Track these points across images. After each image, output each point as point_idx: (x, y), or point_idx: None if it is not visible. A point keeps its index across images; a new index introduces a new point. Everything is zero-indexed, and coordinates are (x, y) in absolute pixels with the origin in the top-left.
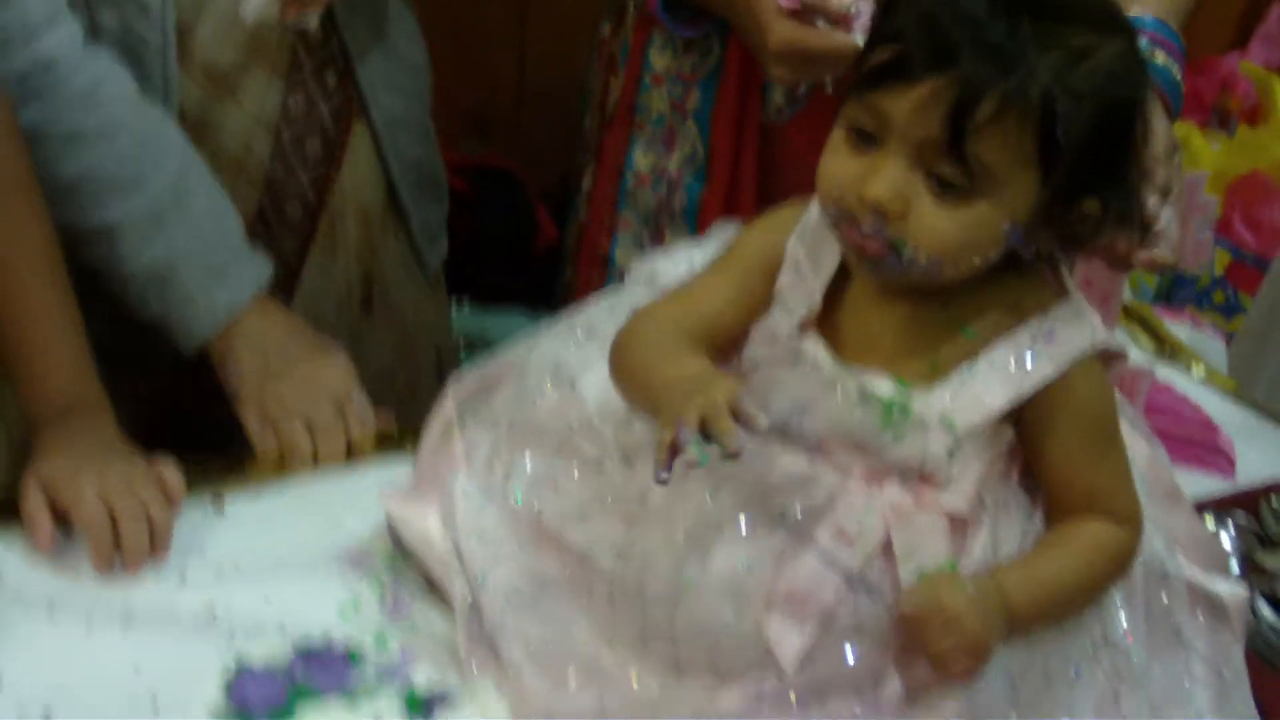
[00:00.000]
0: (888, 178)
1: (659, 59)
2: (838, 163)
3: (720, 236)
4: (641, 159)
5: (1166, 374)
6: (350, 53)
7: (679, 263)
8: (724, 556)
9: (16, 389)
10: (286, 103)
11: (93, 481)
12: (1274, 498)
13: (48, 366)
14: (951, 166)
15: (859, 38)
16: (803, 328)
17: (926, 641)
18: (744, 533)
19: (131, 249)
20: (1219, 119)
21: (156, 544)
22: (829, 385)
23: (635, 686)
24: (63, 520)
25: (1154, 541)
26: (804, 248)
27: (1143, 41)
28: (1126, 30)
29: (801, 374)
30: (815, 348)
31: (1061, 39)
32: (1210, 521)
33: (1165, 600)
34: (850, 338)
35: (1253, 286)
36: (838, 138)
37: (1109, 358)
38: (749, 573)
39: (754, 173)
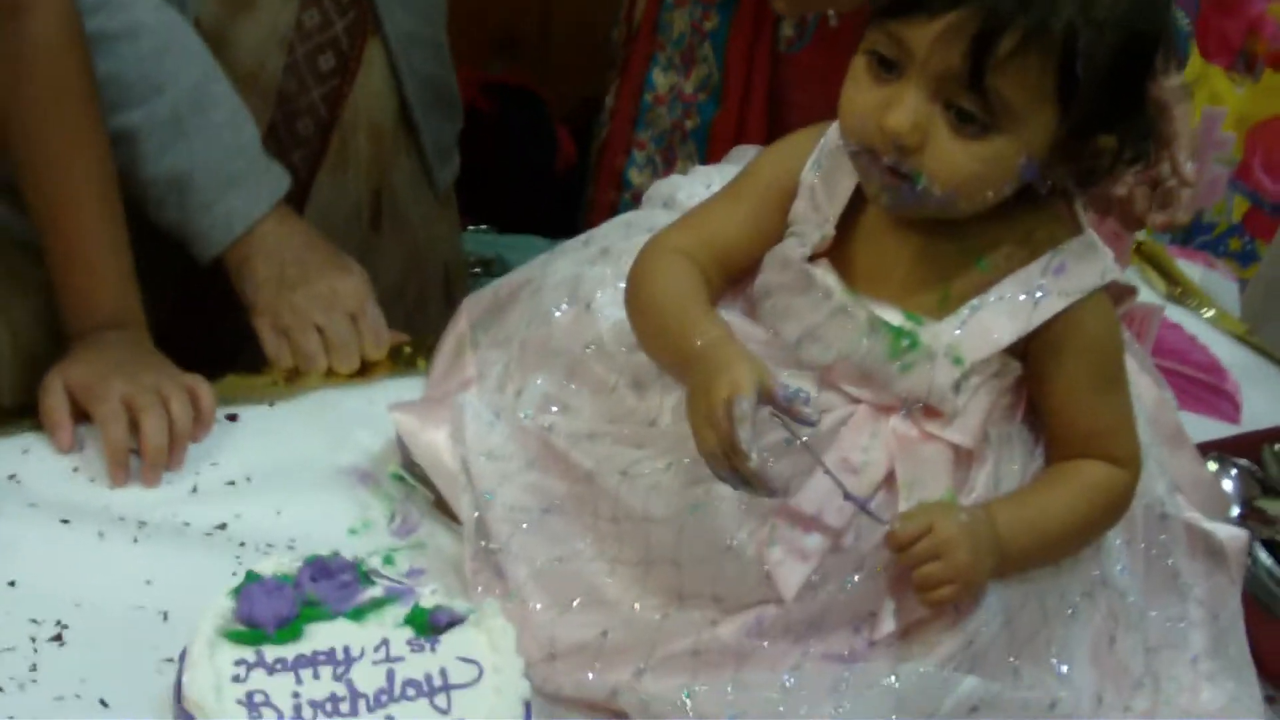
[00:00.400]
0: (907, 109)
1: None
2: (859, 92)
3: (737, 161)
4: (661, 78)
5: (1177, 315)
6: None
7: (697, 186)
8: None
9: (60, 297)
10: (301, 18)
11: (119, 385)
12: (1277, 444)
13: (93, 280)
14: (971, 100)
15: None
16: (814, 256)
17: (914, 564)
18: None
19: (151, 154)
20: (1245, 62)
21: (175, 448)
22: (839, 313)
23: (637, 610)
24: (86, 422)
25: (1156, 483)
26: (819, 176)
27: None
28: None
29: (812, 301)
30: (826, 276)
31: None
32: (1213, 465)
33: (1164, 542)
34: (862, 268)
35: (1270, 234)
36: (859, 65)
37: (1119, 294)
38: (754, 501)
39: (764, 100)
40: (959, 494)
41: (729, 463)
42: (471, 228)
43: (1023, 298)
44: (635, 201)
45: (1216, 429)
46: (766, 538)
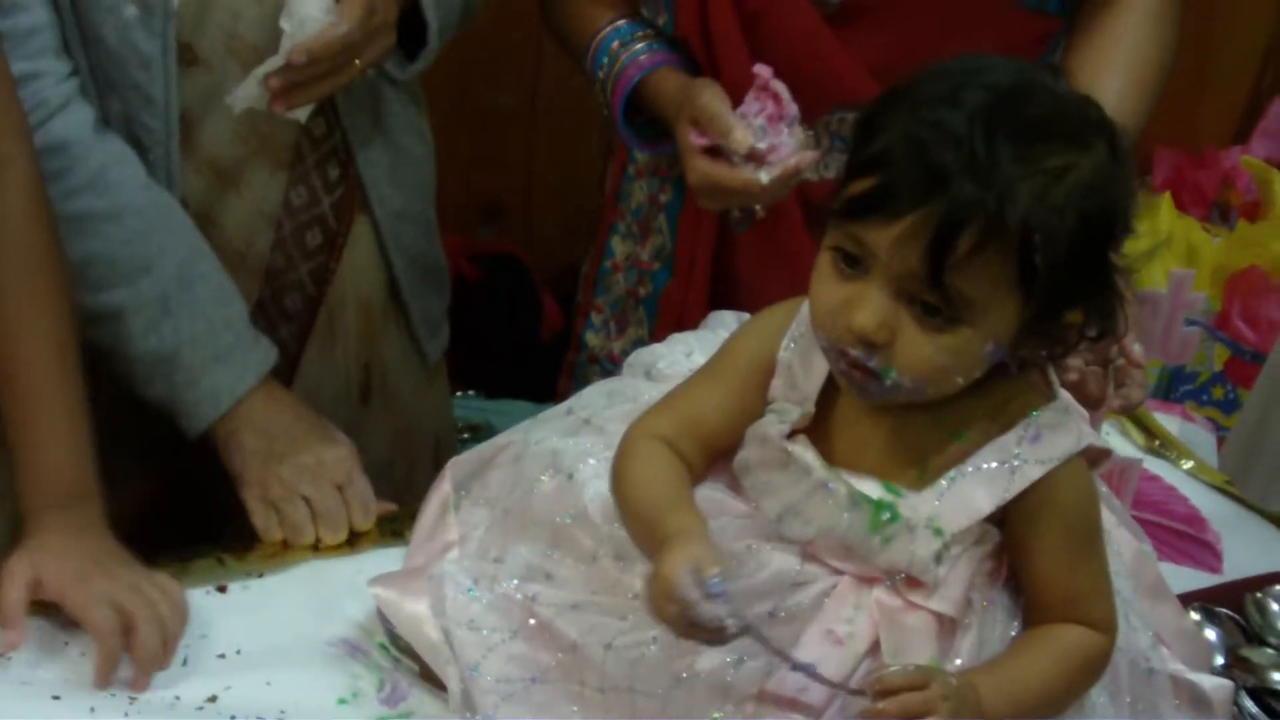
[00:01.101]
0: (872, 309)
1: (642, 153)
2: (825, 289)
3: (714, 328)
4: (619, 246)
5: (1156, 467)
6: (353, 146)
7: (677, 354)
8: (713, 654)
9: (16, 467)
10: (288, 195)
11: (103, 585)
12: (1259, 592)
13: (50, 448)
14: (934, 296)
15: (764, 175)
16: (793, 433)
17: (898, 716)
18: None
19: (137, 332)
20: (1220, 213)
21: (166, 649)
22: (819, 489)
23: None
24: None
25: (1139, 637)
26: (796, 353)
27: None
28: (1105, 131)
29: (792, 478)
30: (805, 453)
31: (1038, 162)
32: (1196, 615)
33: (1150, 696)
34: (841, 443)
35: (1251, 382)
36: (825, 261)
37: (1095, 457)
38: (738, 671)
39: (706, 273)
40: (944, 662)
41: (692, 633)
42: (459, 394)
43: (1000, 467)
44: (592, 363)
45: (1198, 579)
46: (752, 712)
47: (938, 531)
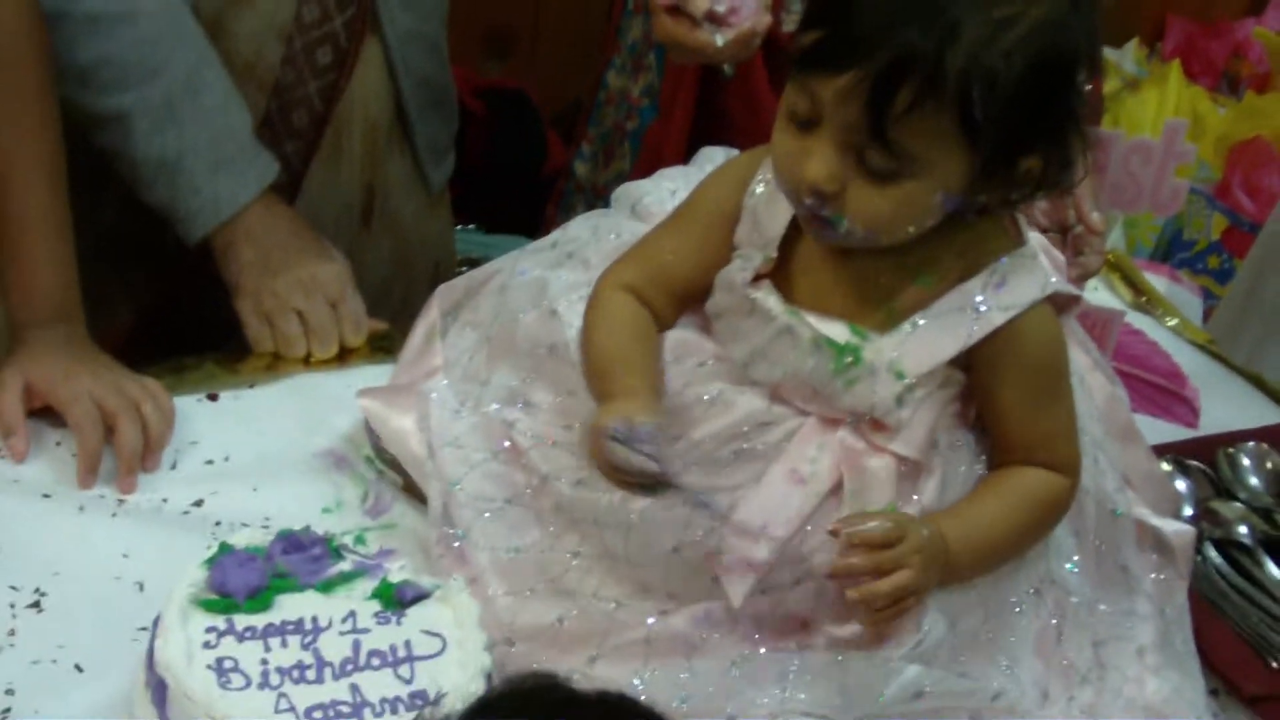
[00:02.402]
0: (821, 162)
1: None
2: (782, 141)
3: (703, 163)
4: (614, 79)
5: (1140, 322)
6: None
7: (663, 191)
8: (679, 494)
9: (4, 282)
10: (300, 11)
11: (88, 383)
12: (1231, 448)
13: (36, 272)
14: (878, 150)
15: (720, 39)
16: (757, 278)
17: (876, 570)
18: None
19: (143, 135)
20: (1229, 84)
21: (149, 452)
22: (783, 333)
23: (593, 600)
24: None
25: (1106, 479)
26: (761, 200)
27: None
28: None
29: (757, 323)
30: (768, 297)
31: (984, 11)
32: (1167, 467)
33: (1114, 537)
34: (808, 287)
35: (1247, 252)
36: (782, 112)
37: (1065, 303)
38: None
39: (689, 112)
40: (905, 504)
41: (616, 477)
42: (460, 227)
43: (964, 313)
44: (578, 192)
45: (1175, 433)
46: (715, 546)
47: (899, 375)
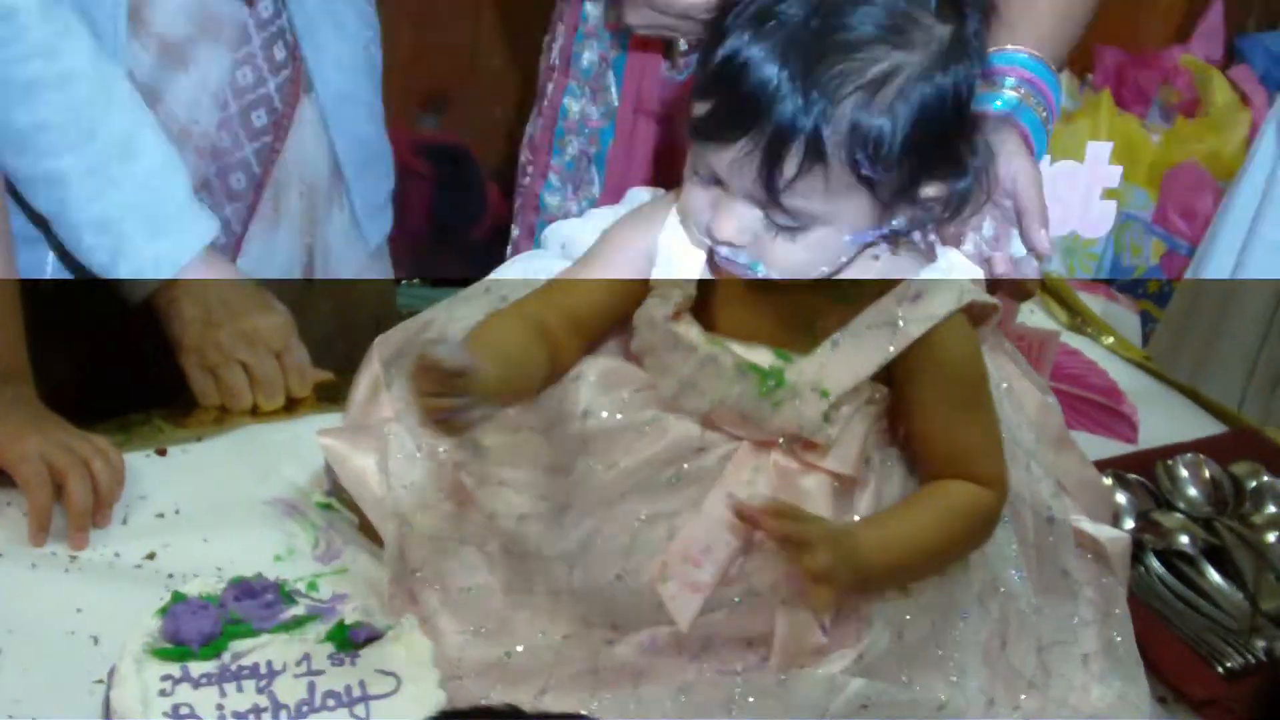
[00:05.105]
0: (729, 218)
1: (594, 10)
2: (693, 193)
3: (630, 204)
4: (573, 105)
5: (1076, 342)
6: (299, 29)
7: (589, 231)
8: (619, 522)
9: None
10: (234, 75)
11: (36, 443)
12: (1169, 460)
13: None
14: (778, 211)
15: None
16: (676, 314)
17: (781, 535)
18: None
19: (82, 198)
20: (1160, 112)
21: (100, 508)
22: (708, 363)
23: (540, 637)
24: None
25: (1041, 485)
26: (675, 239)
27: (1009, 81)
28: (949, 14)
29: (682, 355)
30: (689, 329)
31: (858, 74)
32: (1108, 481)
33: (1053, 544)
34: (730, 317)
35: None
36: (690, 168)
37: (983, 313)
38: (642, 537)
39: (650, 131)
40: (842, 520)
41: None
42: (404, 282)
43: (883, 328)
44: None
45: (1114, 449)
46: (658, 573)
47: (824, 393)
